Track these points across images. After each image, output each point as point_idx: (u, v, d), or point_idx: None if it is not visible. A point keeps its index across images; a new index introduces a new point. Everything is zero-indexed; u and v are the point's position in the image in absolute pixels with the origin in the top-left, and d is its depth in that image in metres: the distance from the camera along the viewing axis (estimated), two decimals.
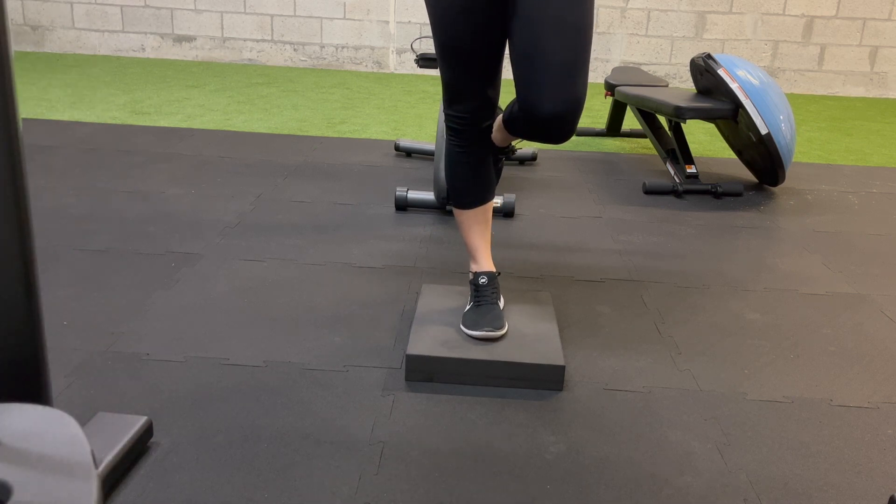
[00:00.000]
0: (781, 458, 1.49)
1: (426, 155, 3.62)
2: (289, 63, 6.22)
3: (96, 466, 0.80)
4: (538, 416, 1.59)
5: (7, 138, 1.05)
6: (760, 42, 6.07)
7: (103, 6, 6.12)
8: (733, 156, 3.99)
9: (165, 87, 5.03)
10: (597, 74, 6.23)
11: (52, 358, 1.72)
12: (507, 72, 6.12)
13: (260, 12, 6.09)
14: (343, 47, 6.16)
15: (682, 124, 3.95)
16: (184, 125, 4.01)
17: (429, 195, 2.83)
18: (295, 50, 6.18)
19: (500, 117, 1.78)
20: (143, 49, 6.23)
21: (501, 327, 1.76)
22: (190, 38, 6.17)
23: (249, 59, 6.22)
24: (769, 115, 3.07)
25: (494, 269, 1.91)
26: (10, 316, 1.11)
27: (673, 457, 1.48)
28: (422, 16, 6.07)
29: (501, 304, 1.89)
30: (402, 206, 2.83)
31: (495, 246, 2.54)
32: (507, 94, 5.31)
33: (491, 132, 1.79)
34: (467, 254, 2.45)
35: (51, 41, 6.23)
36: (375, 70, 6.21)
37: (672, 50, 6.10)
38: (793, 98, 5.96)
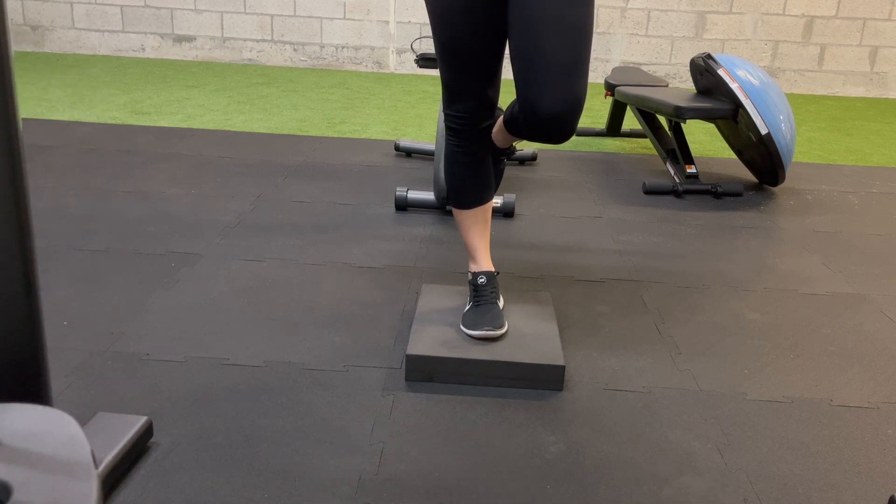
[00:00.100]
0: (781, 458, 1.49)
1: (426, 155, 3.63)
2: (289, 63, 6.22)
3: (96, 466, 0.80)
4: (538, 416, 1.59)
5: (7, 138, 1.05)
6: (760, 42, 6.07)
7: (103, 6, 6.12)
8: (733, 156, 3.99)
9: (165, 87, 5.03)
10: (597, 74, 6.23)
11: (52, 358, 1.72)
12: (507, 72, 6.12)
13: (260, 12, 6.09)
14: (343, 47, 6.16)
15: (682, 124, 3.95)
16: (184, 125, 4.02)
17: (429, 195, 2.83)
18: (295, 50, 6.18)
19: (500, 118, 1.78)
20: (143, 49, 6.23)
21: (501, 327, 1.76)
22: (190, 38, 6.17)
23: (249, 59, 6.22)
24: (769, 115, 3.07)
25: (493, 269, 1.91)
26: (10, 316, 1.11)
27: (673, 457, 1.48)
28: (422, 16, 6.07)
29: (501, 303, 1.89)
30: (402, 206, 2.83)
31: (495, 246, 2.54)
32: (507, 94, 5.31)
33: (490, 132, 1.79)
34: (467, 254, 2.45)
35: (51, 41, 6.23)
36: (375, 70, 6.21)
37: (672, 50, 6.10)
38: (793, 98, 5.96)
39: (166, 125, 3.99)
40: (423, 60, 3.07)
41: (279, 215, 2.72)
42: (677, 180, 3.30)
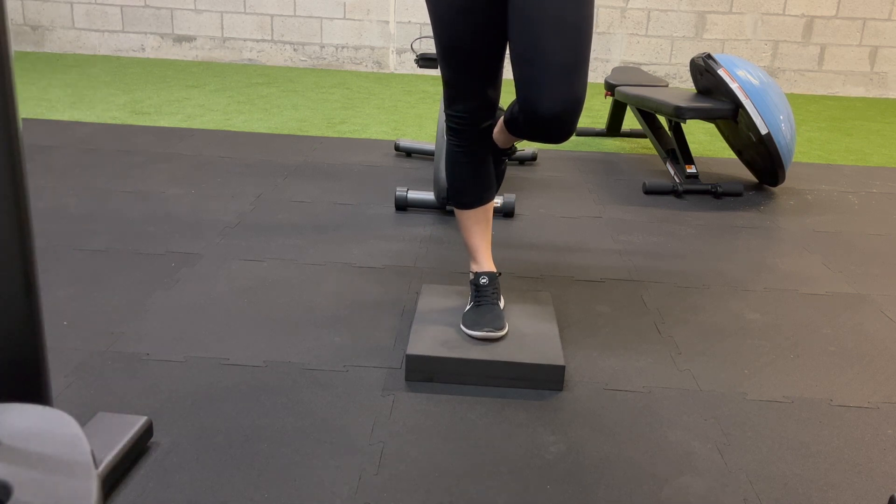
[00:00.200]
0: (781, 458, 1.49)
1: (426, 155, 3.63)
2: (289, 63, 6.22)
3: (96, 466, 0.80)
4: (538, 416, 1.59)
5: (7, 138, 1.05)
6: (760, 42, 6.07)
7: (103, 6, 6.12)
8: (733, 156, 3.99)
9: (165, 87, 5.03)
10: (597, 74, 6.23)
11: (52, 358, 1.72)
12: (507, 72, 6.12)
13: (260, 12, 6.09)
14: (343, 47, 6.16)
15: (682, 124, 3.95)
16: (184, 125, 4.02)
17: (429, 195, 2.83)
18: (295, 50, 6.18)
19: (501, 118, 1.78)
20: (143, 49, 6.23)
21: (502, 328, 1.76)
22: (190, 38, 6.18)
23: (249, 59, 6.22)
24: (769, 115, 3.07)
25: (495, 270, 1.91)
26: (10, 316, 1.11)
27: (673, 457, 1.48)
28: (422, 16, 6.07)
29: (502, 304, 1.89)
30: (402, 206, 2.83)
31: (495, 246, 2.54)
32: (507, 94, 5.31)
33: (491, 132, 1.79)
34: (468, 254, 2.45)
35: (51, 41, 6.23)
36: (375, 70, 6.21)
37: (672, 50, 6.10)
38: (793, 98, 5.96)
39: (166, 125, 3.99)
40: (423, 60, 3.07)
41: (279, 215, 2.72)
42: (677, 180, 3.30)
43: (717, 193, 3.19)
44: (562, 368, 1.67)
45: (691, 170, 3.28)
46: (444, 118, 2.92)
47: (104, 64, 5.81)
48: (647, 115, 3.68)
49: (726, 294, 2.24)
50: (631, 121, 4.69)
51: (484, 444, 1.49)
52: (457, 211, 1.88)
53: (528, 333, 1.79)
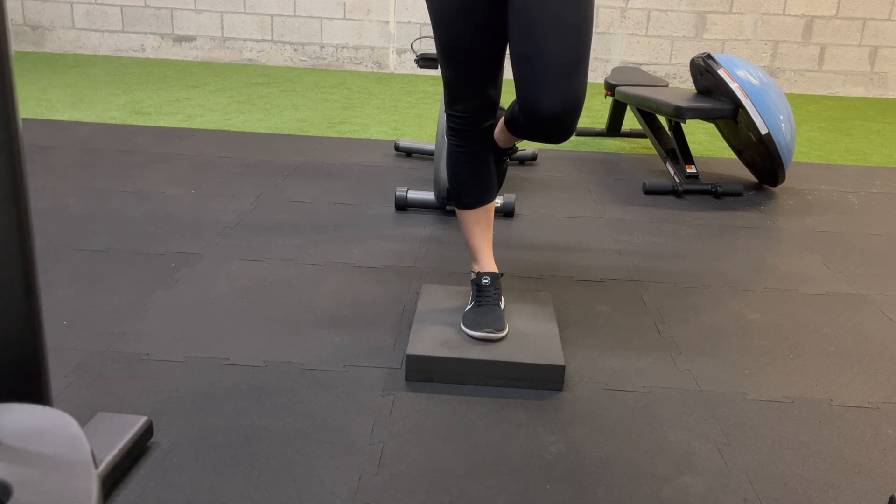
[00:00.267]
0: (781, 458, 1.49)
1: (426, 155, 3.63)
2: (289, 63, 6.22)
3: (96, 466, 0.80)
4: (538, 416, 1.58)
5: (7, 138, 1.05)
6: (760, 42, 6.07)
7: (103, 6, 6.12)
8: (733, 156, 3.99)
9: (165, 87, 5.03)
10: (597, 74, 6.24)
11: (52, 358, 1.72)
12: (507, 72, 6.12)
13: (260, 12, 6.09)
14: (343, 47, 6.16)
15: (682, 124, 3.95)
16: (184, 125, 4.02)
17: (429, 195, 2.83)
18: (295, 50, 6.18)
19: (502, 118, 1.78)
20: (143, 49, 6.23)
21: (502, 329, 1.76)
22: (190, 38, 6.18)
23: (249, 59, 6.22)
24: (769, 115, 3.07)
25: (497, 270, 1.91)
26: (10, 316, 1.11)
27: (673, 457, 1.48)
28: (422, 16, 6.07)
29: (502, 305, 1.89)
30: (402, 206, 2.83)
31: (496, 246, 2.54)
32: (507, 95, 5.31)
33: (491, 132, 1.79)
34: (469, 254, 2.45)
35: (51, 41, 6.23)
36: (375, 70, 6.21)
37: (672, 50, 6.10)
38: (793, 98, 5.96)
39: (166, 125, 3.99)
40: (423, 60, 3.07)
41: (279, 215, 2.72)
42: (677, 180, 3.30)
43: (717, 193, 3.19)
44: (562, 368, 1.67)
45: (691, 170, 3.28)
46: (444, 118, 2.92)
47: (104, 64, 5.81)
48: (647, 115, 3.68)
49: (726, 294, 2.24)
50: (631, 121, 4.69)
51: (484, 444, 1.49)
52: (458, 211, 1.88)
53: (528, 333, 1.79)
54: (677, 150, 3.37)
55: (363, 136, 3.99)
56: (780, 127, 3.07)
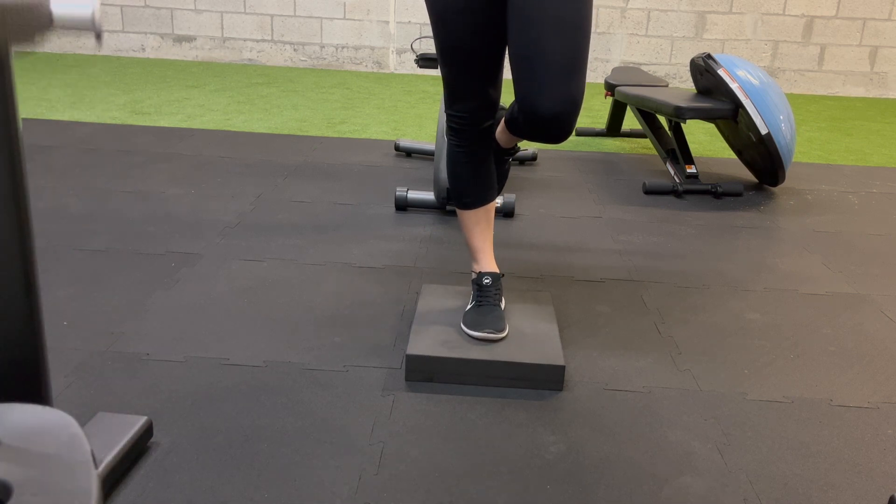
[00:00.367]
0: (781, 458, 1.49)
1: (426, 155, 3.63)
2: (289, 63, 6.22)
3: (96, 466, 0.80)
4: (538, 416, 1.59)
5: (7, 138, 1.05)
6: (760, 42, 6.07)
7: (103, 6, 6.12)
8: (733, 156, 3.99)
9: (165, 87, 5.03)
10: (597, 74, 6.23)
11: (52, 358, 1.72)
12: (507, 72, 6.12)
13: (260, 12, 6.09)
14: (343, 47, 6.16)
15: (682, 124, 3.95)
16: (184, 125, 4.02)
17: (429, 195, 2.83)
18: (295, 50, 6.18)
19: (503, 119, 1.78)
20: (143, 49, 6.23)
21: (502, 329, 1.76)
22: (190, 38, 6.18)
23: (249, 59, 6.22)
24: (769, 115, 3.07)
25: (498, 270, 1.91)
26: (10, 316, 1.11)
27: (673, 457, 1.48)
28: (422, 16, 6.07)
29: (503, 305, 1.89)
30: (402, 206, 2.83)
31: (496, 246, 2.54)
32: (508, 95, 5.31)
33: (492, 132, 1.79)
34: (469, 254, 2.45)
35: (51, 41, 6.23)
36: (375, 70, 6.22)
37: (672, 50, 6.10)
38: (793, 98, 5.96)
39: (166, 125, 3.99)
40: (423, 60, 3.07)
41: (279, 215, 2.72)
42: (677, 180, 3.30)
43: (717, 193, 3.19)
44: (562, 368, 1.67)
45: (691, 170, 3.28)
46: (444, 118, 2.92)
47: (104, 64, 5.81)
48: (647, 115, 3.68)
49: (726, 294, 2.24)
50: (631, 121, 4.69)
51: (484, 444, 1.49)
52: (458, 211, 1.88)
53: (528, 333, 1.79)
54: (677, 150, 3.37)
55: (363, 136, 3.99)
56: (780, 127, 3.07)
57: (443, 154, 2.75)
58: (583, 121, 4.71)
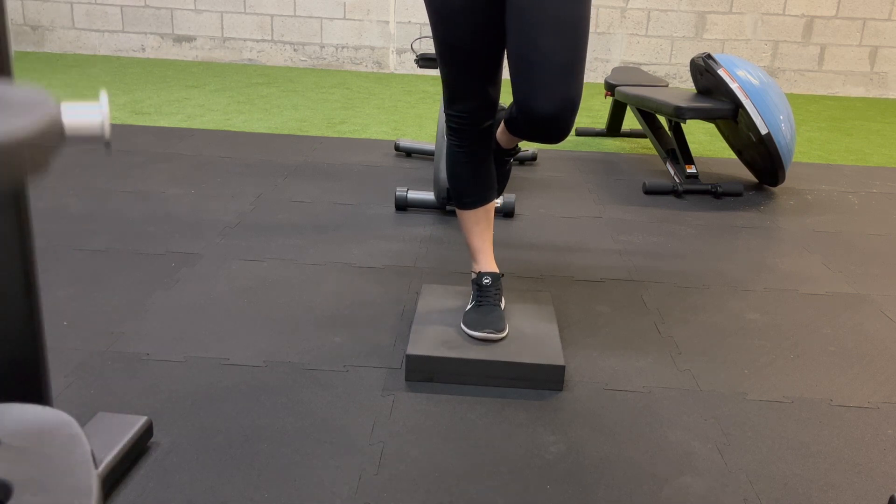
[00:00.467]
0: (781, 458, 1.49)
1: (426, 155, 3.63)
2: (289, 63, 6.22)
3: (96, 466, 0.80)
4: (538, 416, 1.58)
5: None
6: (760, 42, 6.07)
7: (103, 6, 6.12)
8: (733, 156, 3.99)
9: (165, 87, 5.03)
10: (597, 74, 6.23)
11: (52, 358, 1.72)
12: (507, 72, 6.12)
13: (260, 12, 6.09)
14: (343, 47, 6.16)
15: (682, 124, 3.95)
16: (184, 125, 4.02)
17: (429, 195, 2.83)
18: (295, 50, 6.18)
19: (503, 119, 1.78)
20: (143, 49, 6.23)
21: (502, 330, 1.76)
22: (190, 38, 6.17)
23: (249, 59, 6.22)
24: (769, 115, 3.07)
25: (498, 270, 1.91)
26: (10, 316, 1.11)
27: (673, 457, 1.48)
28: (422, 16, 6.07)
29: (503, 305, 1.89)
30: (402, 206, 2.83)
31: (495, 246, 2.54)
32: (508, 95, 5.31)
33: (491, 132, 1.79)
34: (469, 254, 2.45)
35: (51, 41, 6.23)
36: (375, 70, 6.21)
37: (672, 50, 6.10)
38: (793, 98, 5.96)
39: (166, 125, 3.99)
40: (423, 60, 3.07)
41: (279, 215, 2.72)
42: (677, 180, 3.30)
43: (717, 193, 3.19)
44: (562, 368, 1.67)
45: (691, 170, 3.28)
46: (444, 118, 2.92)
47: (104, 64, 5.81)
48: (647, 115, 3.68)
49: (726, 294, 2.24)
50: (631, 121, 4.69)
51: (484, 444, 1.49)
52: (458, 211, 1.88)
53: (528, 333, 1.79)
54: (677, 150, 3.37)
55: (363, 136, 3.99)
56: (780, 127, 3.07)
57: (443, 154, 2.75)
58: (583, 121, 4.71)
